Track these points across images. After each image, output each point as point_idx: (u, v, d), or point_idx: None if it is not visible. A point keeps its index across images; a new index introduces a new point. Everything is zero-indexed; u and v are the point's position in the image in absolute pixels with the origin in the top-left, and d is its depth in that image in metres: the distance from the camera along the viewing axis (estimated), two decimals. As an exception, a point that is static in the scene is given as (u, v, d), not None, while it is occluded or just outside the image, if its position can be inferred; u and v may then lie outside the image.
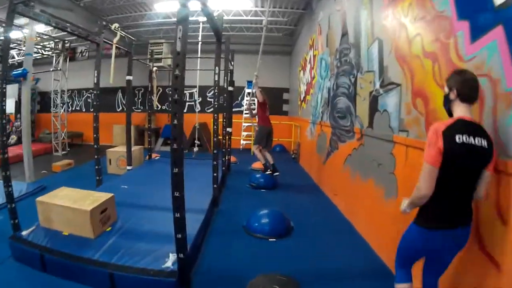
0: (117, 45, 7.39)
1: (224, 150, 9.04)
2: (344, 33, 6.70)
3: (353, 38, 6.14)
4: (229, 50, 8.10)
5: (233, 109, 11.41)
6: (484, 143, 2.23)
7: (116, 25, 7.29)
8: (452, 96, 2.40)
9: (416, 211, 2.53)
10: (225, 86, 8.45)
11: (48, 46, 13.91)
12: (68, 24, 5.90)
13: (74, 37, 15.23)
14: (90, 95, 17.51)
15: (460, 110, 2.35)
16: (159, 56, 13.86)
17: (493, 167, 2.35)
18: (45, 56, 14.45)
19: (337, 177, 6.88)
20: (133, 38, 9.05)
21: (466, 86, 2.33)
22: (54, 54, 13.80)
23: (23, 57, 10.00)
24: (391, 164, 4.29)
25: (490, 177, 2.37)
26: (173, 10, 11.85)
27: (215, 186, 6.48)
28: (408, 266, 2.71)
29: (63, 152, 13.64)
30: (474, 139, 2.21)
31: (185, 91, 16.10)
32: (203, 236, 4.98)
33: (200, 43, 10.26)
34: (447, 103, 2.49)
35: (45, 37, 13.10)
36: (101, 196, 4.70)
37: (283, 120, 14.98)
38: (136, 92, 16.89)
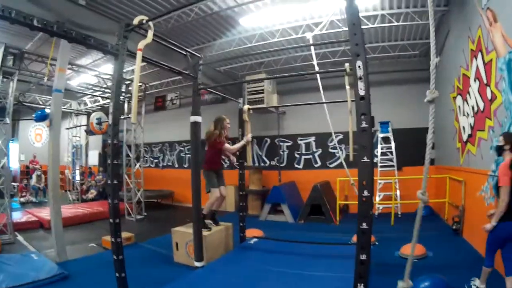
0: (150, 59, 4.77)
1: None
2: None
3: None
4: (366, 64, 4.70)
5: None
6: None
7: (144, 18, 4.26)
8: (506, 147, 4.22)
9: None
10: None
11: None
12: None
13: (158, 82, 13.66)
14: (183, 148, 15.82)
15: (511, 155, 4.15)
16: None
17: None
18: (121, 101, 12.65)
19: None
20: (198, 55, 6.00)
21: None
22: (125, 99, 11.47)
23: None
24: None
25: None
26: (268, 27, 9.20)
27: None
28: (493, 254, 4.32)
29: (139, 217, 11.33)
30: None
31: (298, 141, 13.16)
32: None
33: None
34: (501, 150, 4.34)
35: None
36: None
37: (430, 172, 10.49)
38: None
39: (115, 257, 3.95)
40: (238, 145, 6.81)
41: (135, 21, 4.14)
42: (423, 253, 6.54)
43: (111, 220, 3.89)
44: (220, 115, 6.65)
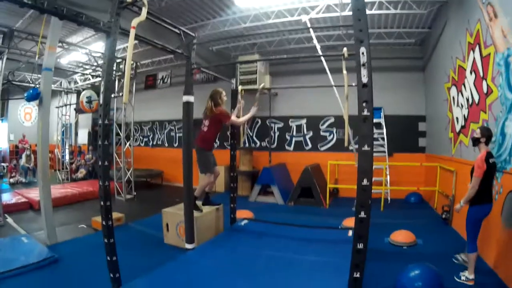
0: (143, 38, 4.81)
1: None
2: None
3: None
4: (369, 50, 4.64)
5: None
6: (495, 160, 4.75)
7: None
8: (482, 140, 4.76)
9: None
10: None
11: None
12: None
13: (149, 60, 13.44)
14: (173, 127, 15.63)
15: (486, 147, 4.75)
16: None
17: None
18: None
19: None
20: (192, 35, 5.86)
21: (490, 137, 4.81)
22: (116, 77, 11.26)
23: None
24: None
25: None
26: (264, 8, 9.10)
27: None
28: (476, 238, 4.77)
29: (128, 196, 11.15)
30: (493, 158, 4.70)
31: (290, 123, 13.02)
32: None
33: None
34: (477, 142, 4.84)
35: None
36: None
37: (420, 159, 10.79)
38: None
39: (106, 240, 3.84)
40: (245, 117, 6.07)
41: (130, -2, 3.91)
42: (413, 241, 6.53)
43: (102, 203, 3.76)
44: (215, 88, 5.99)
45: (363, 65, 2.31)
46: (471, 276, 4.80)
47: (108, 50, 4.03)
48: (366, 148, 2.38)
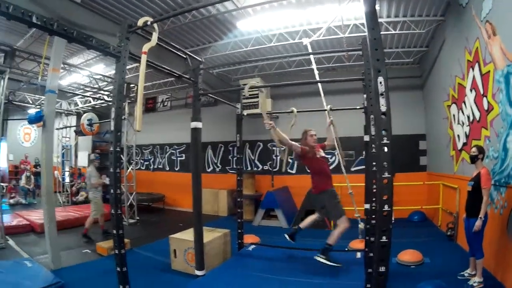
0: (151, 62, 4.69)
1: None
2: None
3: None
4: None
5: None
6: None
7: (149, 20, 3.97)
8: (480, 156, 5.30)
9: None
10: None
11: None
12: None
13: (149, 83, 13.49)
14: (174, 151, 15.58)
15: (482, 163, 5.35)
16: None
17: None
18: (109, 102, 12.49)
19: None
20: (200, 59, 5.84)
21: (484, 154, 5.44)
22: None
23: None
24: None
25: None
26: (265, 32, 9.15)
27: None
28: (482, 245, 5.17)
29: (131, 221, 11.00)
30: None
31: None
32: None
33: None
34: (475, 159, 5.34)
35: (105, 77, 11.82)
36: None
37: (422, 178, 10.71)
38: (230, 148, 14.02)
39: (118, 269, 3.75)
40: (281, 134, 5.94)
41: (140, 22, 3.92)
42: (420, 260, 6.50)
43: (114, 231, 3.70)
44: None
45: (382, 94, 2.33)
46: (481, 279, 5.16)
47: (118, 75, 3.99)
48: (386, 175, 2.35)
